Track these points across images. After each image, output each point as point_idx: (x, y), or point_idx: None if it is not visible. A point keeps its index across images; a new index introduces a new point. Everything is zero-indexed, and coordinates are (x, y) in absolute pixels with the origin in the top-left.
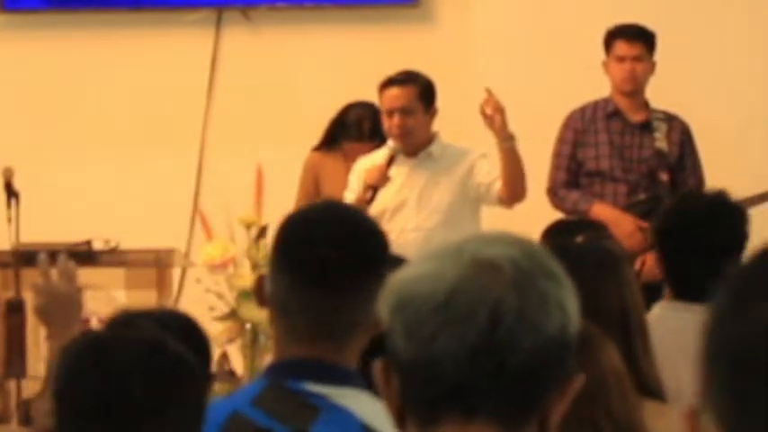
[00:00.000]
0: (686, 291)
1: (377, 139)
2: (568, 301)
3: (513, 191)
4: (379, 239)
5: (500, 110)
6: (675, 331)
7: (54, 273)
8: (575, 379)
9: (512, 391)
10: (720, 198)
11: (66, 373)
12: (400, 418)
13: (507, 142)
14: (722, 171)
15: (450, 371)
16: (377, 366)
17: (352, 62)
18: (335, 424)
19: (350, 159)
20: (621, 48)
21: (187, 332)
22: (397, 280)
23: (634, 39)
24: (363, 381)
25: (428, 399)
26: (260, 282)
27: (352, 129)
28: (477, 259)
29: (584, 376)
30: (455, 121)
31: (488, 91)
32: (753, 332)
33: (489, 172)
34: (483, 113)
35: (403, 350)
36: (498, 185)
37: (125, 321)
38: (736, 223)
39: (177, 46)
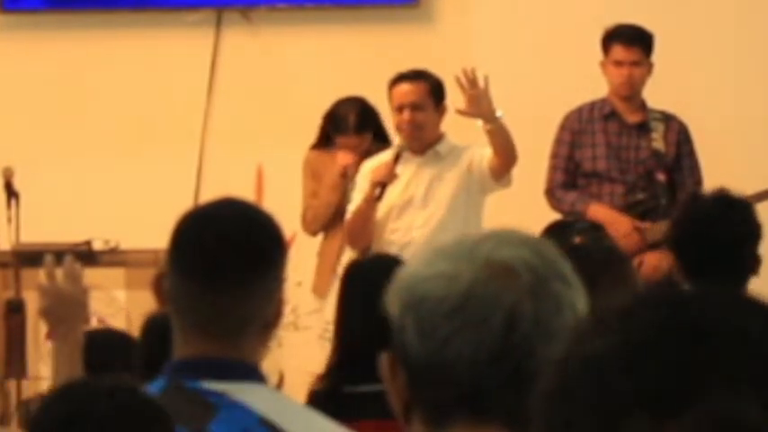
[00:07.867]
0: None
1: (364, 132)
2: (579, 302)
3: (505, 159)
4: (272, 235)
5: (483, 92)
6: None
7: (59, 274)
8: None
9: (524, 395)
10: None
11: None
12: (406, 413)
13: (494, 123)
14: (721, 171)
15: (464, 374)
16: (383, 360)
17: (353, 62)
18: (233, 421)
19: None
20: (619, 52)
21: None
22: (408, 276)
23: (632, 43)
24: (262, 375)
25: (439, 400)
26: (158, 279)
27: (339, 123)
28: (491, 261)
29: None
30: (455, 121)
31: (470, 73)
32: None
33: (481, 145)
34: (468, 93)
35: (415, 349)
36: (488, 154)
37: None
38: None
39: (177, 46)
